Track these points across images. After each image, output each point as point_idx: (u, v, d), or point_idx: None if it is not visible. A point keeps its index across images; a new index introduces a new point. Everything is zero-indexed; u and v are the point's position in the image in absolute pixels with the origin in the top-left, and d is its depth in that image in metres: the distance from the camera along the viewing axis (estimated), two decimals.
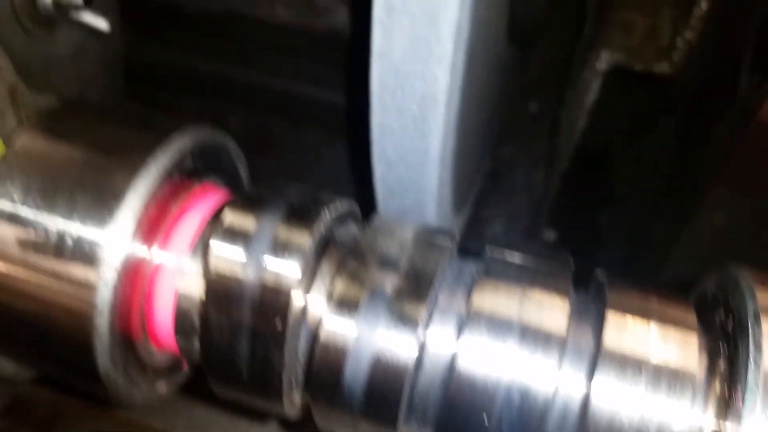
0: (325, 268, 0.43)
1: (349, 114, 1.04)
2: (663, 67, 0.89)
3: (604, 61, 0.88)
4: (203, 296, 0.42)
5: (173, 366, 0.50)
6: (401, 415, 0.42)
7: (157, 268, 0.45)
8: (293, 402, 0.45)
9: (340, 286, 0.42)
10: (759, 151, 1.07)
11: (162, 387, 0.49)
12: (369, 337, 0.41)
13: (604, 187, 1.63)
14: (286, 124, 1.16)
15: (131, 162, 0.43)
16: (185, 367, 0.51)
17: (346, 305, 0.41)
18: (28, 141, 0.44)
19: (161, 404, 0.54)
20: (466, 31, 0.59)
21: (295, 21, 0.94)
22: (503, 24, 0.83)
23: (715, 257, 1.25)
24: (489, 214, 1.20)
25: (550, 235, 1.24)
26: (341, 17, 0.90)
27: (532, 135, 1.25)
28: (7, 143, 0.44)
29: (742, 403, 0.37)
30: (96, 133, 0.45)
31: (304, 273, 0.42)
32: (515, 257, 0.47)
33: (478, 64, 0.73)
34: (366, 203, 0.60)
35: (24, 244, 0.43)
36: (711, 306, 0.45)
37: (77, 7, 0.60)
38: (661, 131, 1.31)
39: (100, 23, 0.63)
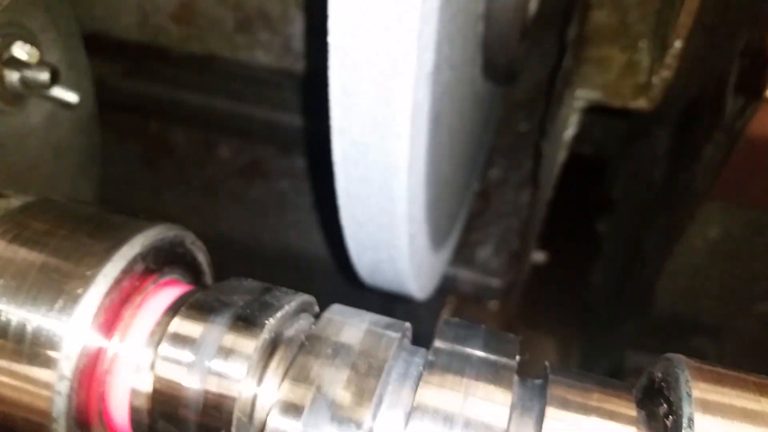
0: (273, 371, 0.45)
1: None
2: (641, 104, 0.89)
3: (580, 98, 0.89)
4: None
5: None
6: None
7: (113, 364, 0.46)
8: None
9: (286, 388, 0.43)
10: (748, 166, 1.07)
11: None
12: None
13: (600, 193, 1.64)
14: (275, 152, 1.18)
15: (90, 263, 0.44)
16: None
17: (290, 408, 0.43)
18: None
19: None
20: (426, 104, 0.60)
21: (274, 64, 0.95)
22: (477, 69, 0.84)
23: (709, 270, 1.26)
24: (478, 237, 1.21)
25: (539, 256, 1.24)
26: (319, 59, 0.91)
27: (521, 154, 1.26)
28: None
29: None
30: (53, 236, 0.46)
31: (249, 377, 0.43)
32: (464, 339, 0.49)
33: (448, 115, 0.74)
34: None
35: None
36: (656, 396, 0.46)
37: (45, 86, 0.61)
38: (654, 142, 1.31)
39: (70, 96, 0.64)
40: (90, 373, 0.45)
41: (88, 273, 0.44)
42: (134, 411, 0.46)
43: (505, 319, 1.32)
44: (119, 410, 0.47)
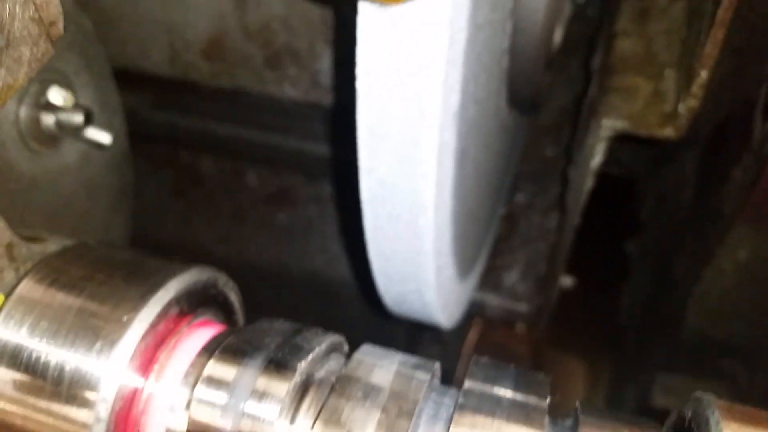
0: (305, 412, 0.45)
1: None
2: (668, 133, 0.89)
3: (606, 128, 0.89)
4: None
5: None
6: None
7: (148, 405, 0.47)
8: None
9: (318, 430, 0.44)
10: None
11: None
12: None
13: (629, 215, 1.62)
14: (303, 179, 1.19)
15: (126, 308, 0.46)
16: None
17: None
18: (27, 291, 0.47)
19: None
20: (452, 142, 0.60)
21: (302, 98, 0.96)
22: (502, 100, 0.84)
23: (739, 293, 1.24)
24: (505, 261, 1.21)
25: (567, 281, 1.24)
26: (346, 92, 0.92)
27: (547, 179, 1.26)
28: (8, 296, 0.47)
29: None
30: (90, 281, 0.48)
31: (282, 419, 0.44)
32: (494, 380, 0.49)
33: (474, 149, 0.74)
34: None
35: (24, 385, 0.46)
36: None
37: (79, 128, 0.63)
38: (682, 165, 1.31)
39: (103, 137, 0.66)
40: (125, 415, 0.46)
41: (125, 318, 0.45)
42: None
43: (533, 342, 1.31)
44: None
